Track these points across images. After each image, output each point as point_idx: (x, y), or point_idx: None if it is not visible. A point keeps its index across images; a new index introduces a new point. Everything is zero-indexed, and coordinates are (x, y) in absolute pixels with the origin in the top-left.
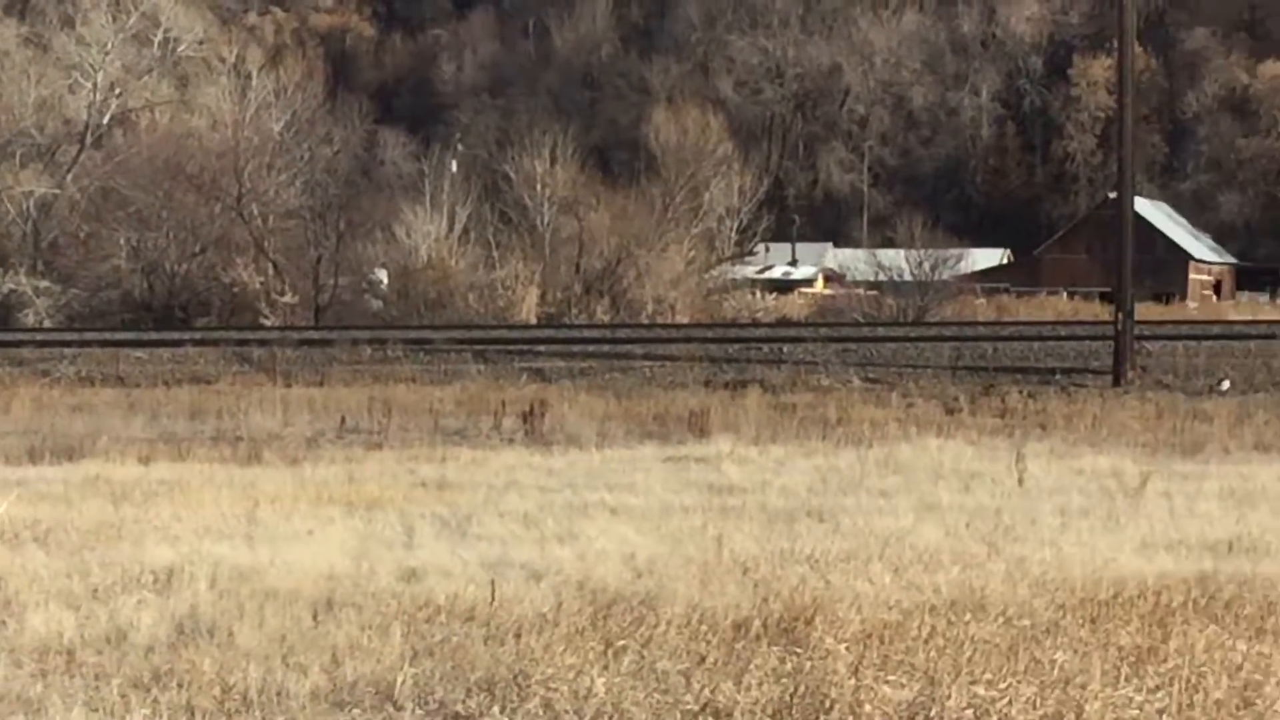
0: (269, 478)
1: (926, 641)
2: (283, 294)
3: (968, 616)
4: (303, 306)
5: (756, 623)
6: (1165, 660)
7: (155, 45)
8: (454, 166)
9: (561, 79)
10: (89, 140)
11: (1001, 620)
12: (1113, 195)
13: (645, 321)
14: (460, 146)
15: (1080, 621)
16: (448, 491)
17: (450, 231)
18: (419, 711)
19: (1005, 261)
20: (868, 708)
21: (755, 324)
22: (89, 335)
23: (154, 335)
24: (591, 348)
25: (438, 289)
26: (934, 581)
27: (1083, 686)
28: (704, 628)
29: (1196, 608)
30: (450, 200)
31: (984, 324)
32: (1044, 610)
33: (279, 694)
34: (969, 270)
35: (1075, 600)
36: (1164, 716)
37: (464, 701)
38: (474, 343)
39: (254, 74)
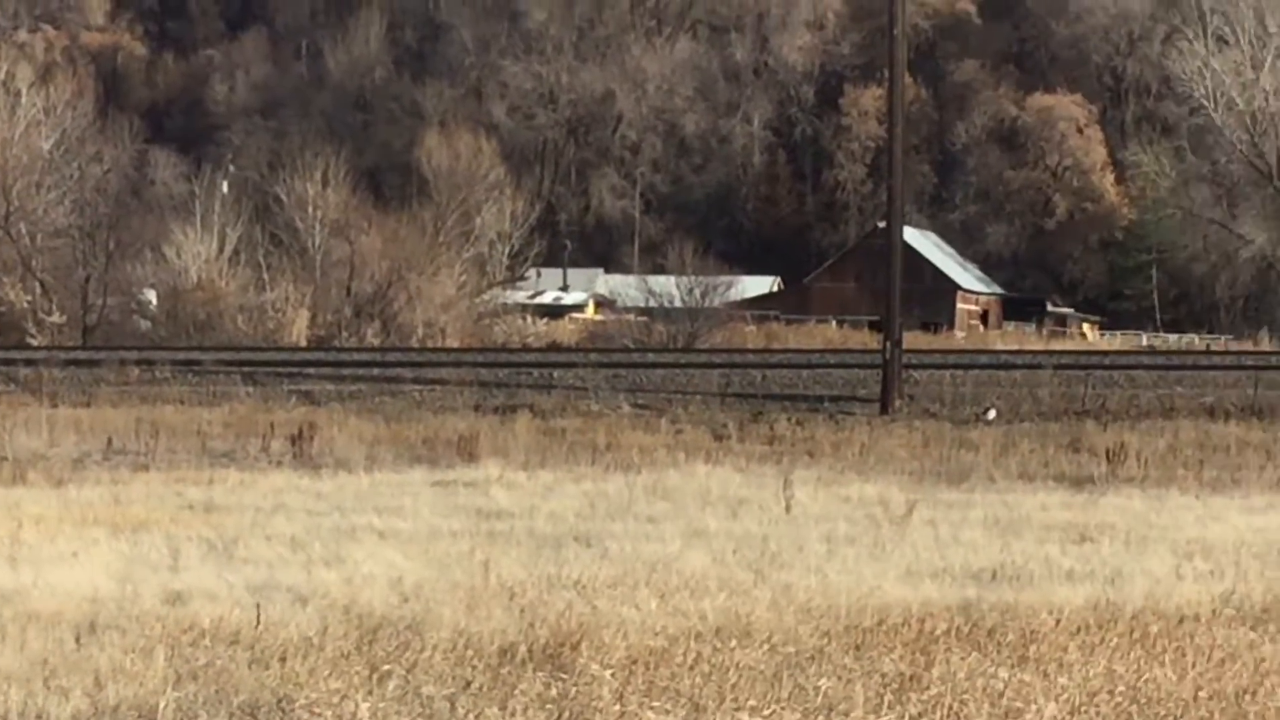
0: (33, 499)
1: (692, 668)
2: (50, 313)
3: (733, 643)
4: (70, 326)
5: (522, 648)
6: (928, 687)
7: None
8: (225, 188)
9: (334, 101)
10: None
11: (767, 647)
12: (882, 224)
13: (416, 345)
14: (232, 168)
15: (845, 648)
16: (214, 514)
17: (220, 253)
18: None
19: (775, 289)
20: None
21: (526, 349)
22: None
23: None
24: (361, 371)
25: (207, 310)
26: (700, 608)
27: (846, 714)
28: (470, 653)
29: (959, 635)
30: (221, 221)
31: (753, 351)
32: (809, 637)
33: (39, 717)
34: (739, 297)
35: (840, 627)
36: None
37: None
38: (243, 365)
39: (23, 92)
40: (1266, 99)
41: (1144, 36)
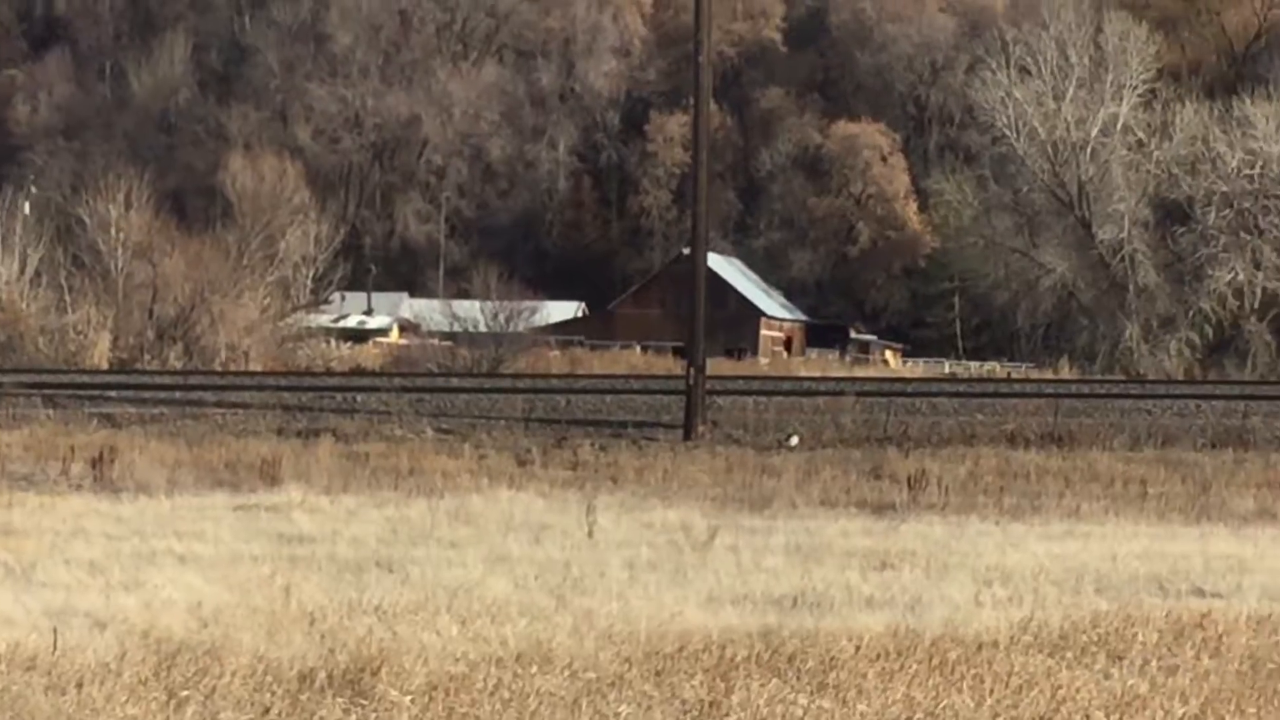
0: None
1: (492, 694)
2: None
3: (534, 669)
4: None
5: (322, 674)
6: (728, 714)
7: None
8: (26, 209)
9: (138, 123)
10: None
11: (567, 673)
12: (687, 251)
13: (218, 368)
14: (33, 189)
15: (645, 674)
16: (12, 538)
17: (21, 274)
18: None
19: (580, 314)
20: None
21: (329, 373)
22: None
23: None
24: (163, 394)
25: (7, 332)
26: (501, 634)
27: None
28: (269, 678)
29: (760, 661)
30: (22, 243)
31: (558, 376)
32: (610, 663)
33: None
34: (544, 322)
35: (641, 653)
36: None
37: None
38: (43, 387)
39: None
40: (1068, 129)
41: (947, 66)
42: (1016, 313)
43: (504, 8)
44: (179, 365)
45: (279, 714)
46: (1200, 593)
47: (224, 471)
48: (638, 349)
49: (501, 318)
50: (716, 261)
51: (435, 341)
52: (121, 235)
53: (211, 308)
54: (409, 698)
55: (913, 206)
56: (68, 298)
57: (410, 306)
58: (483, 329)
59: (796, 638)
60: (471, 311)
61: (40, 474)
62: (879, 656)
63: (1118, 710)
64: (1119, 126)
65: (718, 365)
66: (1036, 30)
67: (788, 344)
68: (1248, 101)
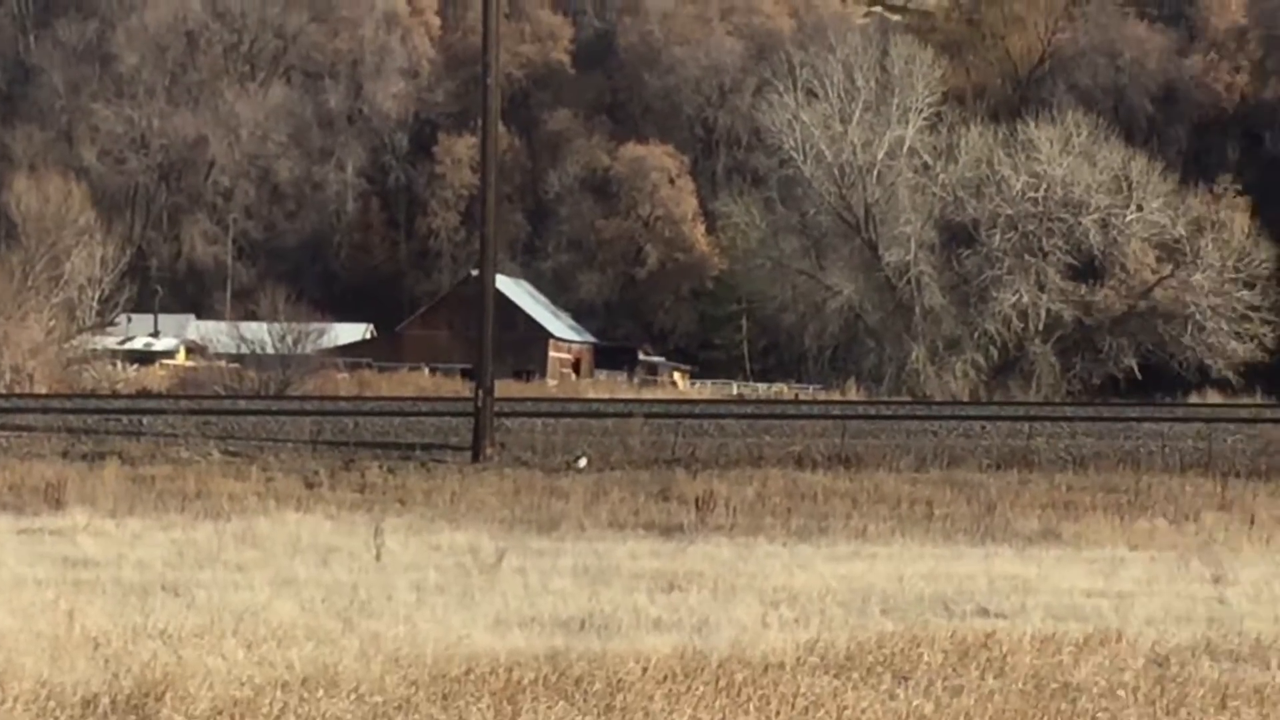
0: None
1: (278, 718)
2: None
3: (320, 693)
4: None
5: (105, 699)
6: None
7: None
8: None
9: None
10: None
11: (354, 697)
12: (475, 272)
13: (2, 391)
14: None
15: (432, 698)
16: None
17: None
18: None
19: (369, 336)
20: None
21: (115, 395)
22: None
23: None
24: None
25: None
26: (287, 657)
27: None
28: (52, 704)
29: (547, 684)
30: None
31: (346, 398)
32: (396, 687)
33: None
34: (332, 344)
35: (428, 676)
36: None
37: None
38: None
39: None
40: (855, 152)
41: (735, 89)
42: (804, 334)
43: (291, 29)
44: None
45: None
46: (985, 613)
47: (7, 495)
48: (426, 371)
49: (289, 339)
50: (505, 283)
51: (223, 363)
52: None
53: None
54: None
55: (700, 228)
56: None
57: (197, 328)
58: (270, 351)
59: (584, 660)
60: (259, 333)
61: None
62: (666, 678)
63: None
64: (905, 149)
65: (506, 387)
66: (823, 54)
67: (576, 366)
68: (1032, 125)
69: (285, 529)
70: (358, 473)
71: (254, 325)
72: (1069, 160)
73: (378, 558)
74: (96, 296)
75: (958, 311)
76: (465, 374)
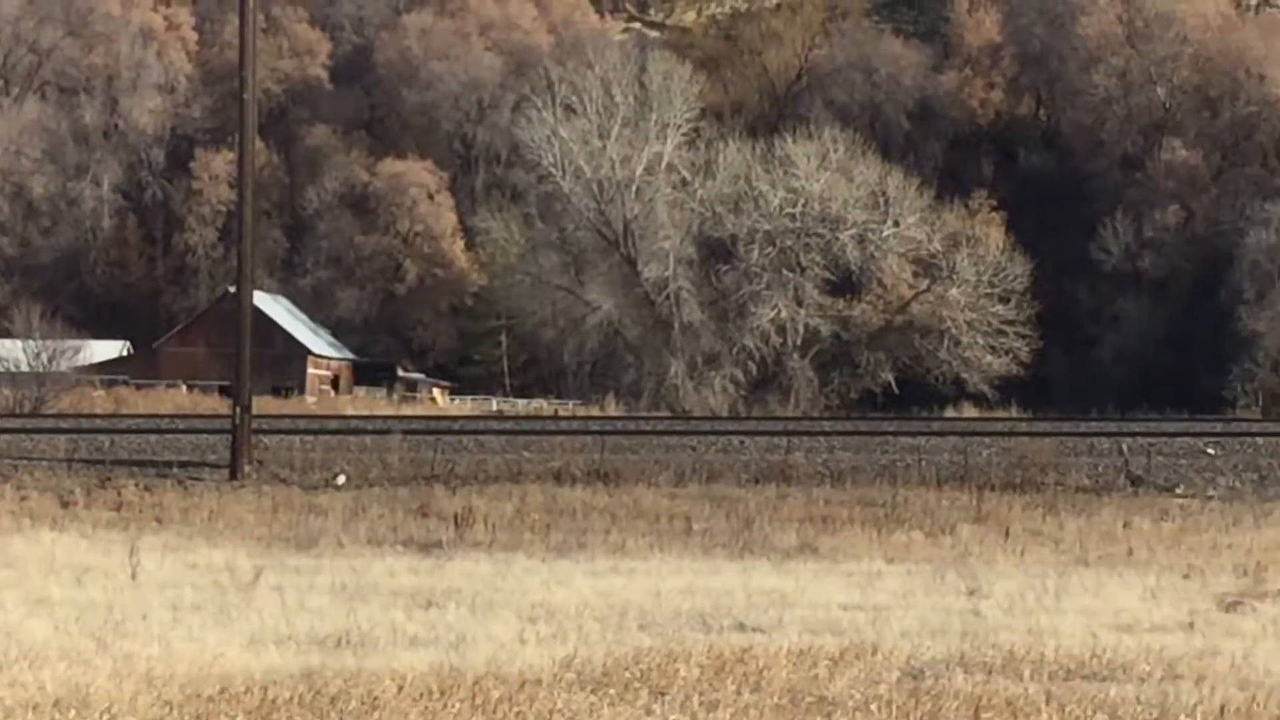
0: None
1: None
2: None
3: (71, 713)
4: None
5: None
6: None
7: None
8: None
9: None
10: None
11: (106, 717)
12: (232, 289)
13: None
14: None
15: (185, 718)
16: None
17: None
18: None
19: (125, 353)
20: None
21: None
22: None
23: None
24: None
25: None
26: (39, 678)
27: None
28: None
29: (302, 703)
30: None
31: (102, 416)
32: (149, 707)
33: None
34: (88, 362)
35: (181, 696)
36: None
37: None
38: None
39: None
40: (613, 167)
41: (494, 105)
42: (563, 350)
43: (46, 43)
44: None
45: None
46: (742, 627)
47: None
48: (184, 388)
49: (44, 357)
50: (263, 300)
51: None
52: None
53: None
54: None
55: (460, 244)
56: None
57: None
58: (24, 369)
59: (340, 678)
60: (13, 351)
61: None
62: (422, 696)
63: None
64: (664, 165)
65: (264, 404)
66: (582, 69)
67: (335, 382)
68: (789, 141)
69: (40, 548)
70: (114, 491)
71: (8, 343)
72: (826, 176)
73: (133, 577)
74: None
75: (716, 327)
76: (223, 391)
